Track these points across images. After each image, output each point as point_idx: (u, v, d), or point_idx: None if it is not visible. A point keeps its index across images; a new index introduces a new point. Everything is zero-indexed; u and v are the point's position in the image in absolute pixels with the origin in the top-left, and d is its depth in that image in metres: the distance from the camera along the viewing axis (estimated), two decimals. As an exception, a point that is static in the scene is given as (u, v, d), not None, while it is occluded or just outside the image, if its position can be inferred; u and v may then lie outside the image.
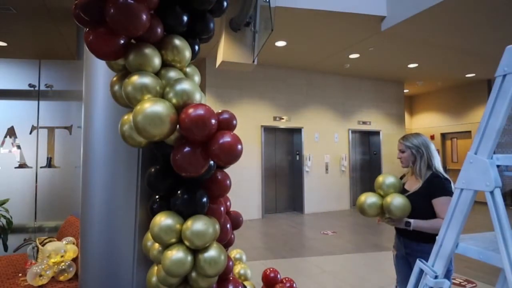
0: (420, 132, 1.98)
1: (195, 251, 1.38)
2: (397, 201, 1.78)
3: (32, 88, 3.72)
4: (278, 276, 2.33)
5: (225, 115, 1.48)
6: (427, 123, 10.42)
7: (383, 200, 1.84)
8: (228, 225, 1.68)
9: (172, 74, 1.47)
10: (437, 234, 1.66)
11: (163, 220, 1.37)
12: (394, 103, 9.02)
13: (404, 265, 1.96)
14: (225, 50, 2.98)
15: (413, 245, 1.85)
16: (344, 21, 4.96)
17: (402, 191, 1.93)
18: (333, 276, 3.57)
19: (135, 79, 1.33)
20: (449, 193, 1.76)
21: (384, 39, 5.62)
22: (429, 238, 1.67)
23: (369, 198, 1.85)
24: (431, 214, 1.79)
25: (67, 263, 2.15)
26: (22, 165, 3.63)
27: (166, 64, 1.50)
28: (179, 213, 1.41)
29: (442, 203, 1.76)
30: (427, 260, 1.77)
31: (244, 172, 6.86)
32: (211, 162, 1.41)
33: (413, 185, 1.94)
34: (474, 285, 3.29)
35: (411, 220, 1.79)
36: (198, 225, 1.35)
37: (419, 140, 1.89)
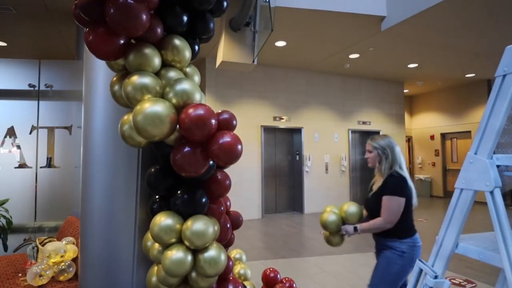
0: (387, 135, 2.06)
1: (195, 251, 1.38)
2: (351, 209, 2.02)
3: (32, 88, 3.72)
4: (278, 276, 2.33)
5: (225, 115, 1.48)
6: (427, 123, 10.42)
7: (340, 211, 2.07)
8: (228, 225, 1.68)
9: (172, 74, 1.47)
10: (396, 230, 1.83)
11: (163, 220, 1.37)
12: (394, 103, 9.02)
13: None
14: (225, 50, 2.98)
15: (381, 239, 1.97)
16: (344, 21, 4.96)
17: (370, 191, 2.08)
18: (333, 276, 3.57)
19: (135, 79, 1.33)
20: (396, 192, 1.85)
21: (384, 39, 5.62)
22: (390, 234, 1.86)
23: (330, 216, 2.04)
24: None
25: (67, 263, 2.15)
26: (22, 165, 3.62)
27: (166, 64, 1.50)
28: (179, 213, 1.41)
29: (384, 202, 1.86)
30: (390, 253, 1.88)
31: (244, 172, 6.86)
32: (211, 162, 1.41)
33: (378, 185, 2.02)
34: (474, 285, 3.29)
35: (357, 225, 1.94)
36: (198, 225, 1.35)
37: (385, 142, 1.96)
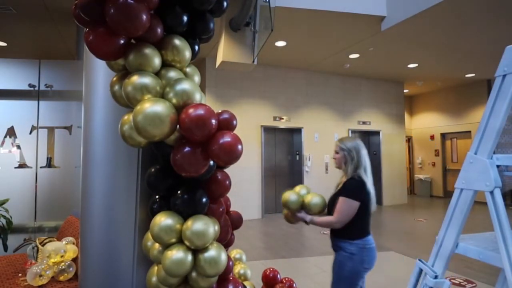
0: (357, 137, 2.08)
1: (195, 251, 1.38)
2: (315, 199, 2.06)
3: (32, 88, 3.72)
4: (278, 276, 2.33)
5: (225, 115, 1.48)
6: (427, 123, 10.42)
7: (304, 198, 2.10)
8: (228, 225, 1.68)
9: (172, 74, 1.47)
10: (347, 231, 1.88)
11: (163, 220, 1.37)
12: (394, 103, 9.02)
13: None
14: (225, 50, 2.98)
15: (335, 239, 2.01)
16: (344, 21, 4.96)
17: (335, 190, 2.11)
18: (333, 276, 3.56)
19: (135, 79, 1.33)
20: (351, 195, 1.88)
21: (384, 39, 5.62)
22: (341, 234, 1.92)
23: (292, 196, 2.09)
24: None
25: (67, 263, 2.15)
26: (22, 165, 3.62)
27: (166, 64, 1.50)
28: (179, 213, 1.41)
29: (339, 202, 1.90)
30: (340, 255, 1.92)
31: (244, 172, 6.86)
32: (211, 162, 1.41)
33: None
34: (474, 285, 3.29)
35: (312, 217, 2.00)
36: (198, 225, 1.35)
37: (352, 144, 1.99)
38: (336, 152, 2.04)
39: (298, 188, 2.15)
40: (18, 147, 3.63)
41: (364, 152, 1.98)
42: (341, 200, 1.90)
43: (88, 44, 1.30)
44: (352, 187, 1.91)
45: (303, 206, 2.07)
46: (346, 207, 1.87)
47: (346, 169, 1.98)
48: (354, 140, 2.02)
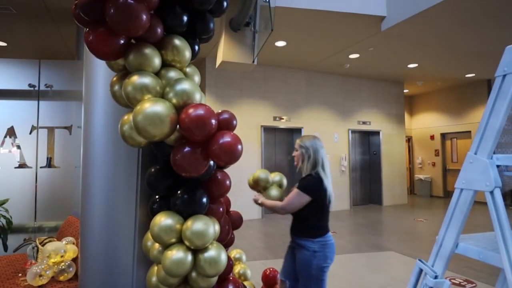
0: (316, 136, 2.12)
1: (195, 251, 1.38)
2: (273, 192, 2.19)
3: (32, 88, 3.72)
4: (278, 276, 2.33)
5: (225, 115, 1.48)
6: (427, 123, 10.42)
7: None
8: (228, 225, 1.68)
9: (172, 74, 1.47)
10: (308, 229, 1.95)
11: (163, 220, 1.37)
12: (394, 103, 9.02)
13: (290, 255, 2.13)
14: (225, 50, 2.97)
15: (295, 238, 2.05)
16: (344, 21, 4.96)
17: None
18: (333, 276, 3.57)
19: (135, 79, 1.33)
20: (304, 188, 1.94)
21: (384, 39, 5.62)
22: (302, 233, 1.98)
23: (262, 173, 2.24)
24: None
25: (67, 263, 2.15)
26: (22, 165, 3.62)
27: (166, 64, 1.50)
28: (179, 213, 1.41)
29: (292, 192, 1.98)
30: (303, 254, 1.95)
31: (244, 172, 6.84)
32: (211, 162, 1.41)
33: None
34: (474, 285, 3.29)
35: (264, 200, 2.13)
36: (198, 225, 1.35)
37: (311, 143, 2.03)
38: (296, 150, 2.11)
39: (273, 175, 2.30)
40: (18, 147, 3.63)
41: (322, 151, 2.03)
42: (294, 191, 1.97)
43: (88, 44, 1.30)
44: (307, 182, 1.96)
45: (264, 189, 2.23)
46: (296, 198, 1.94)
47: (304, 166, 2.04)
48: (313, 139, 2.07)
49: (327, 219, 2.03)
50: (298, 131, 7.71)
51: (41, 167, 3.67)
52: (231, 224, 1.77)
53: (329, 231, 2.03)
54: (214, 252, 1.38)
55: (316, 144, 2.03)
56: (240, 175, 6.87)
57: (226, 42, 2.97)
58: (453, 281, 3.38)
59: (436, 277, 1.21)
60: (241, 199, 6.75)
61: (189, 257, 1.35)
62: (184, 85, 1.35)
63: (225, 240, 1.66)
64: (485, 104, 1.17)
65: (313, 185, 1.94)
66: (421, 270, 1.30)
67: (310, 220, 1.97)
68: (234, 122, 1.52)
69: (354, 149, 8.60)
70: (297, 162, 2.11)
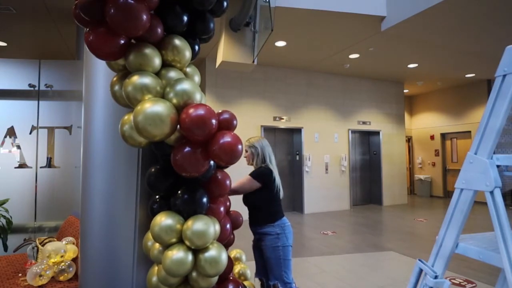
0: (263, 137, 2.44)
1: (196, 251, 1.39)
2: None
3: (32, 88, 3.72)
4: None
5: (225, 115, 1.48)
6: (427, 123, 10.42)
7: None
8: (228, 225, 1.68)
9: (172, 74, 1.47)
10: (265, 216, 2.20)
11: (163, 220, 1.37)
12: (394, 103, 9.02)
13: (258, 253, 2.34)
14: (225, 50, 2.97)
15: (258, 229, 2.27)
16: (344, 21, 4.96)
17: None
18: (333, 276, 3.57)
19: (135, 79, 1.33)
20: (255, 176, 2.21)
21: (384, 39, 5.62)
22: (262, 221, 2.23)
23: None
24: (254, 194, 2.25)
25: (67, 263, 2.14)
26: (22, 165, 3.62)
27: (166, 64, 1.50)
28: (179, 213, 1.41)
29: (244, 177, 2.24)
30: (268, 241, 2.14)
31: (244, 172, 6.84)
32: (211, 162, 1.42)
33: None
34: (474, 285, 3.29)
35: None
36: (199, 225, 1.35)
37: (258, 143, 2.33)
38: (246, 151, 2.35)
39: None
40: (18, 147, 3.63)
41: (268, 149, 2.32)
42: (246, 176, 2.22)
43: (88, 44, 1.30)
44: (258, 171, 2.24)
45: None
46: (247, 182, 2.21)
47: (254, 163, 2.32)
48: (260, 139, 2.35)
49: (279, 204, 2.29)
50: (298, 131, 7.72)
51: (41, 167, 3.67)
52: (231, 224, 1.77)
53: (284, 216, 2.29)
54: (214, 252, 1.38)
55: (263, 142, 2.32)
56: (240, 175, 6.89)
57: (226, 42, 2.97)
58: (453, 281, 3.38)
59: (436, 277, 1.21)
60: (241, 199, 6.74)
61: (190, 257, 1.35)
62: (185, 85, 1.35)
63: (225, 240, 1.66)
64: (485, 104, 1.17)
65: (262, 174, 2.22)
66: (421, 270, 1.30)
67: (265, 208, 2.23)
68: (235, 122, 1.52)
69: (354, 149, 8.61)
70: (248, 161, 2.37)
